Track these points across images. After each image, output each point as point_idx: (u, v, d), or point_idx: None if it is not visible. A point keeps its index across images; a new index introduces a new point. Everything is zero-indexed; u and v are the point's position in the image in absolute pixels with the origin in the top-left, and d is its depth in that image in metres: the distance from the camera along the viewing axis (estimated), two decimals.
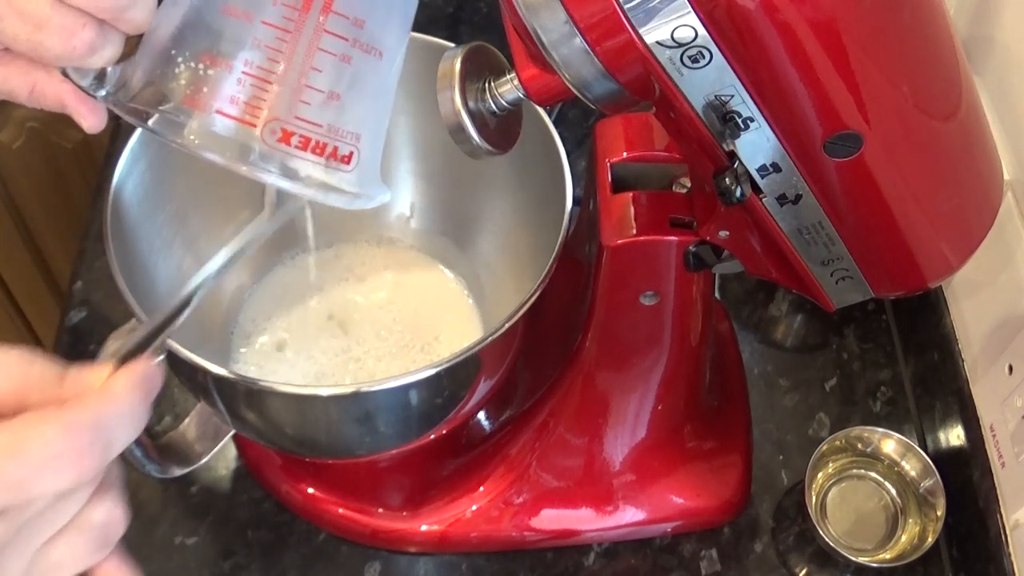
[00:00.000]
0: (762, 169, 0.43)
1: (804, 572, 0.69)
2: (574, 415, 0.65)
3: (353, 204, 0.44)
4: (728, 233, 0.50)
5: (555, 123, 0.59)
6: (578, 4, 0.38)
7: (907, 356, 0.79)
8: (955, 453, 0.70)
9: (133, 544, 0.71)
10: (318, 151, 0.42)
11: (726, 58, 0.39)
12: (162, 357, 0.51)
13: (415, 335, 0.69)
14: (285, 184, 0.42)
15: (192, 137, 0.40)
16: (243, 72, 0.40)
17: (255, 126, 0.41)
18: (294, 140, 0.41)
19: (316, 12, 0.41)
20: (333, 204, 0.44)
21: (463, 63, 0.45)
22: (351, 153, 0.43)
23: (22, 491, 0.30)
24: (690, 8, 0.37)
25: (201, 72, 0.40)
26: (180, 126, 0.41)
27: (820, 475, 0.71)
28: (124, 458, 0.56)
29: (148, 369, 0.36)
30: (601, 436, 0.65)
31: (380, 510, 0.68)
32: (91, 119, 0.44)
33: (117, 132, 0.90)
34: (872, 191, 0.44)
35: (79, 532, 0.35)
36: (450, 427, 0.59)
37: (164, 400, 0.74)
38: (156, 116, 0.41)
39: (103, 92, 0.42)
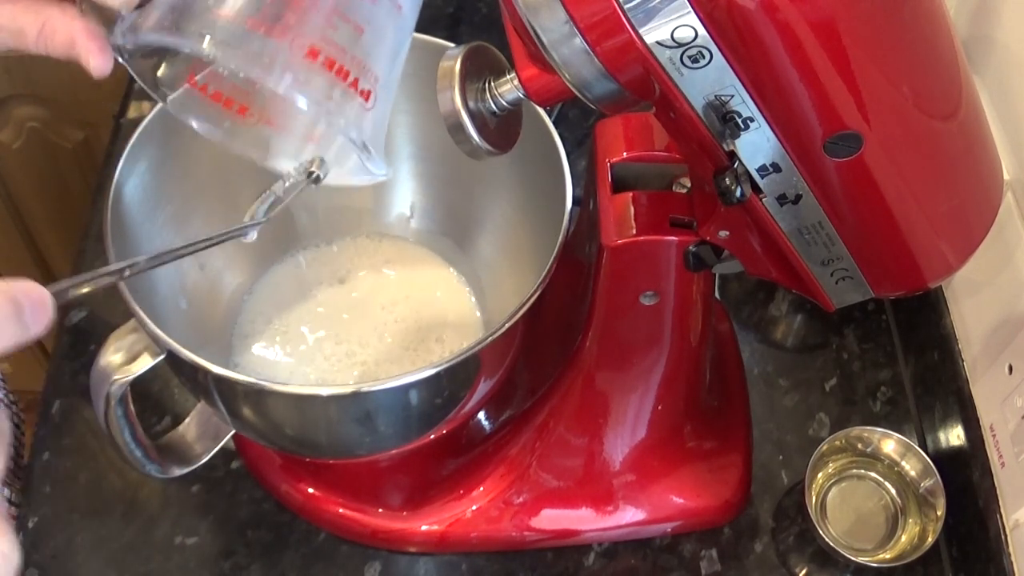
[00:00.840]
0: (762, 169, 0.43)
1: (804, 572, 0.69)
2: (574, 415, 0.65)
3: (360, 154, 0.44)
4: (728, 233, 0.50)
5: (555, 123, 0.59)
6: (578, 4, 0.38)
7: (907, 356, 0.79)
8: (955, 453, 0.70)
9: (133, 544, 0.72)
10: (341, 76, 0.42)
11: (726, 58, 0.39)
12: (162, 357, 0.52)
13: (415, 335, 0.69)
14: (302, 102, 0.41)
15: (213, 49, 0.40)
16: None
17: (284, 39, 0.40)
18: (320, 58, 0.41)
19: None
20: (341, 140, 0.43)
21: (463, 63, 0.45)
22: (370, 91, 0.43)
23: None
24: (690, 8, 0.37)
25: None
26: (197, 54, 0.40)
27: (820, 475, 0.71)
28: (124, 458, 0.57)
29: (29, 288, 0.34)
30: (601, 436, 0.65)
31: (380, 510, 0.68)
32: (99, 59, 0.43)
33: (117, 132, 0.90)
34: (872, 191, 0.44)
35: None
36: (450, 427, 0.59)
37: (164, 400, 0.74)
38: (172, 50, 0.41)
39: (118, 31, 0.42)
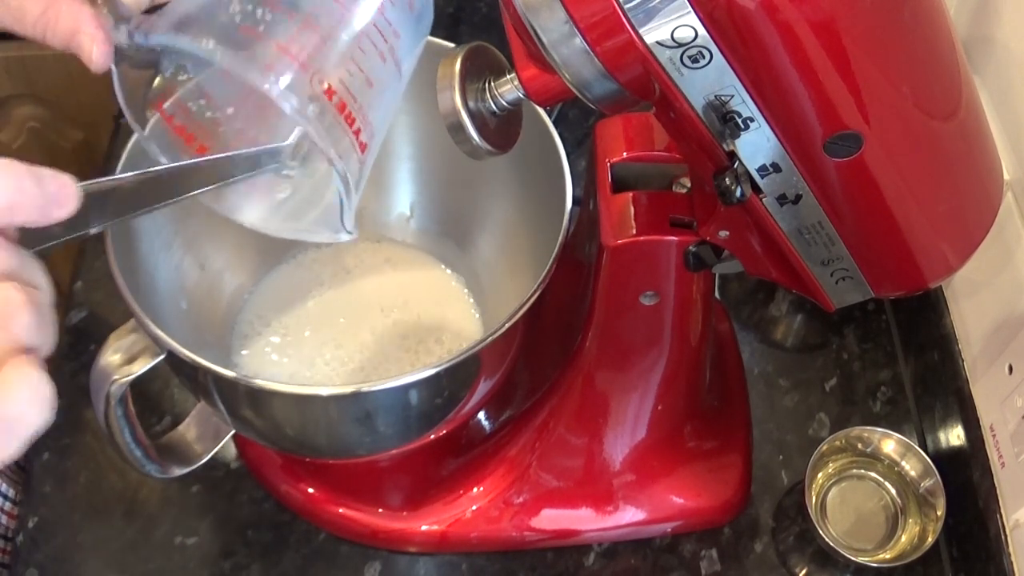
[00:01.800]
0: (762, 169, 0.43)
1: (804, 572, 0.69)
2: (574, 415, 0.65)
3: (343, 204, 0.44)
4: (728, 233, 0.50)
5: (555, 123, 0.59)
6: (578, 4, 0.38)
7: (907, 356, 0.79)
8: (955, 453, 0.70)
9: (133, 544, 0.71)
10: (349, 121, 0.42)
11: (726, 58, 0.39)
12: (162, 357, 0.52)
13: (415, 335, 0.69)
14: (307, 128, 0.41)
15: (219, 57, 0.40)
16: (305, 23, 0.41)
17: (306, 71, 0.41)
18: (335, 99, 0.41)
19: (375, 2, 0.43)
20: (304, 193, 0.43)
21: (463, 63, 0.45)
22: (366, 145, 0.43)
23: None
24: (690, 8, 0.37)
25: (259, 15, 0.40)
26: (204, 58, 0.40)
27: (820, 475, 0.71)
28: (124, 458, 0.57)
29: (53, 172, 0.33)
30: (601, 436, 0.65)
31: (380, 510, 0.68)
32: (102, 50, 0.42)
33: (117, 132, 0.90)
34: (872, 191, 0.44)
35: None
36: (450, 427, 0.59)
37: (164, 400, 0.74)
38: (167, 64, 0.41)
39: (125, 29, 0.41)
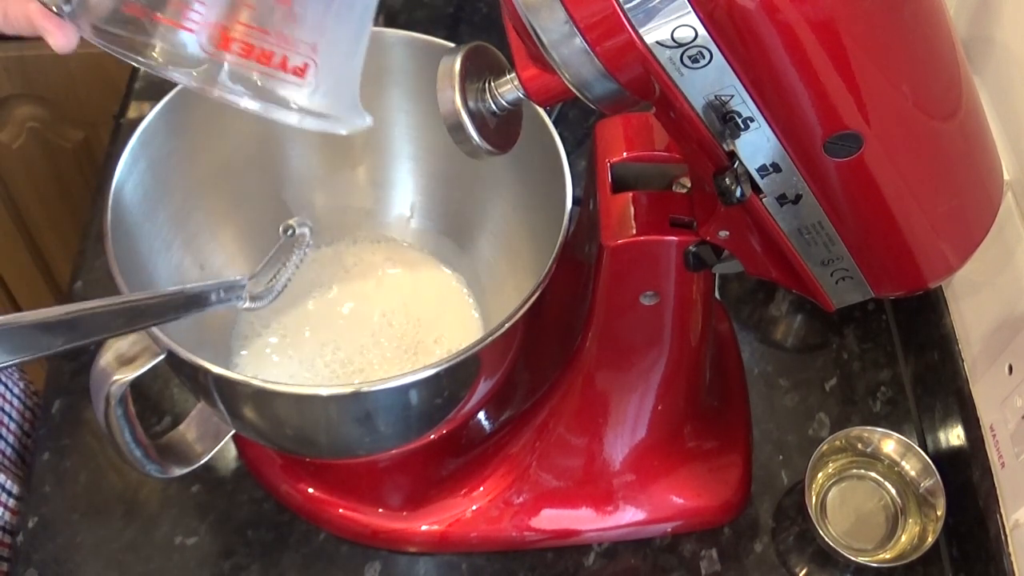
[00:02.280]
0: (762, 169, 0.43)
1: (804, 572, 0.69)
2: (574, 415, 0.65)
3: (323, 126, 0.42)
4: (728, 233, 0.50)
5: (555, 123, 0.59)
6: (578, 4, 0.39)
7: (907, 356, 0.79)
8: (955, 453, 0.70)
9: (133, 544, 0.71)
10: (263, 60, 0.40)
11: (726, 58, 0.39)
12: (162, 357, 0.52)
13: (414, 336, 0.69)
14: (239, 99, 0.40)
15: (154, 54, 0.39)
16: None
17: (192, 32, 0.39)
18: (234, 47, 0.39)
19: None
20: (305, 126, 0.41)
21: (463, 63, 0.45)
22: (305, 65, 0.41)
23: None
24: (690, 8, 0.37)
25: None
26: (143, 43, 0.39)
27: (820, 475, 0.71)
28: (124, 458, 0.57)
29: None
30: (601, 436, 0.65)
31: (380, 510, 0.68)
32: (59, 37, 0.44)
33: (117, 132, 0.90)
34: (872, 191, 0.44)
35: None
36: (450, 427, 0.59)
37: (164, 400, 0.74)
38: (123, 36, 0.40)
39: (68, 10, 0.42)
